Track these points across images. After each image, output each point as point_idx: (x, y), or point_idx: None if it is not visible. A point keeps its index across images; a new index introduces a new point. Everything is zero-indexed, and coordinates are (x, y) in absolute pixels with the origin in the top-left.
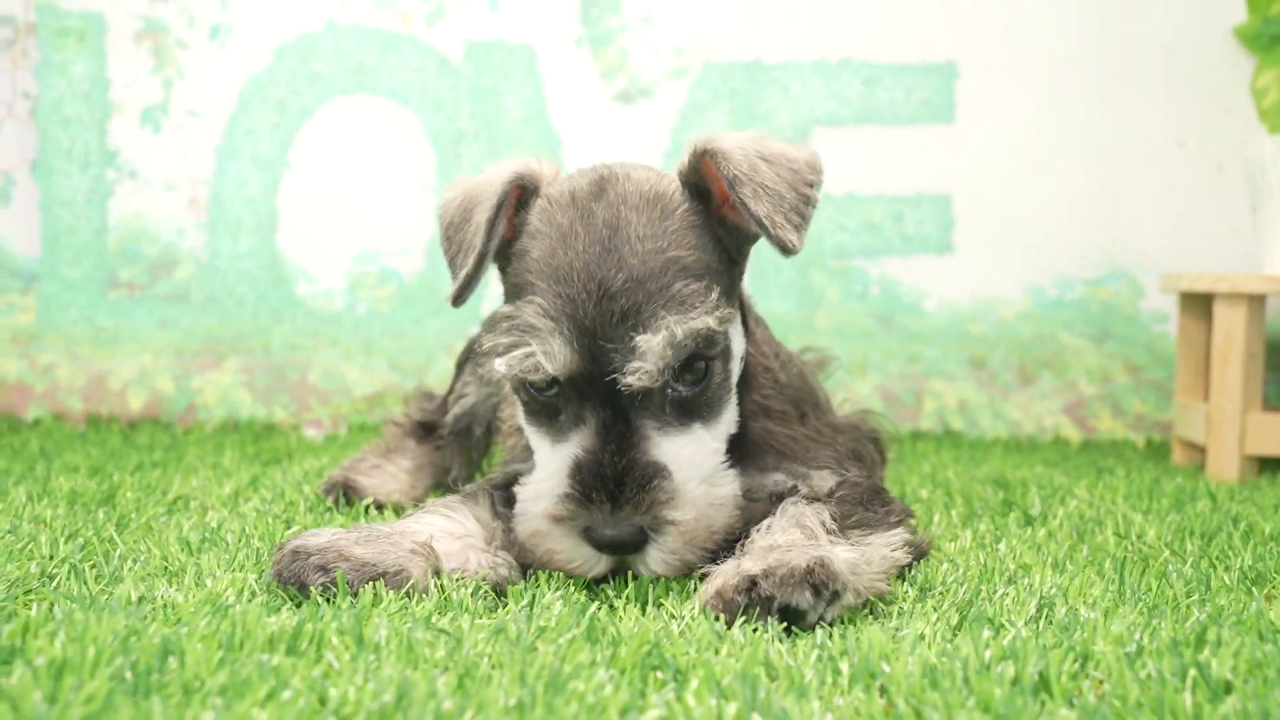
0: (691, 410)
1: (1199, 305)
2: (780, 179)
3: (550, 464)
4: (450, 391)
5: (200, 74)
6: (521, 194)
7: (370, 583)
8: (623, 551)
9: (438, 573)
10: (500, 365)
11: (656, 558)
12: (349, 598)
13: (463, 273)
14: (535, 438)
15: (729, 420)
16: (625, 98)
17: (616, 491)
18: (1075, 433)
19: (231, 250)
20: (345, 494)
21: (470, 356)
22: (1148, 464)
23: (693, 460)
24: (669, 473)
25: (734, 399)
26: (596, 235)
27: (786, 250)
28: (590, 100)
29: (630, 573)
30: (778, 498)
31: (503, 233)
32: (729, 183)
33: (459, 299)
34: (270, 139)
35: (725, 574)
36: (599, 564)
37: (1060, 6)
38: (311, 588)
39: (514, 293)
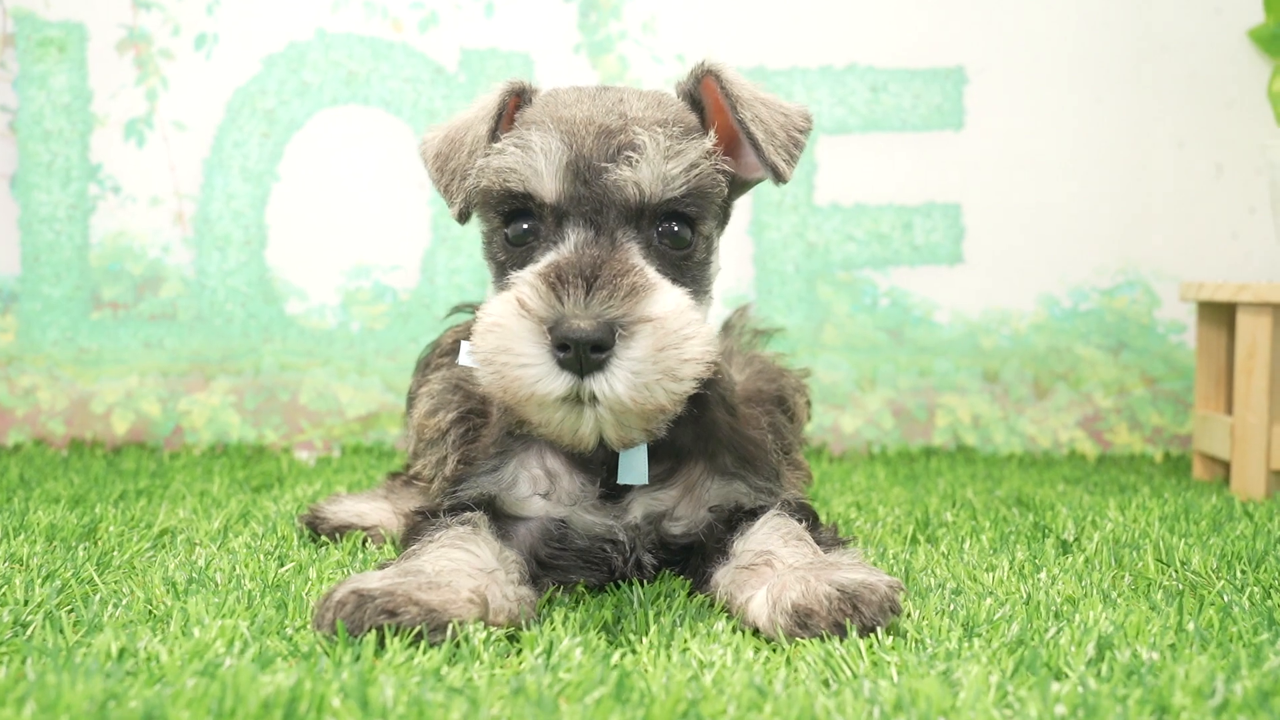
0: (674, 271)
1: (1219, 315)
2: (774, 119)
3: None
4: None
5: (186, 85)
6: (518, 102)
7: (433, 631)
8: (588, 359)
9: (480, 620)
10: (488, 172)
11: (624, 376)
12: (353, 647)
13: (465, 184)
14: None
15: (706, 310)
16: None
17: (592, 279)
18: (1091, 447)
19: (219, 267)
20: (313, 527)
21: (425, 367)
22: (1169, 480)
23: (673, 293)
24: (647, 271)
25: (709, 310)
26: (599, 102)
27: (779, 177)
28: None
29: (633, 591)
30: (747, 513)
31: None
32: (732, 104)
33: (466, 215)
34: (259, 151)
35: (787, 589)
36: (557, 380)
37: (1070, 9)
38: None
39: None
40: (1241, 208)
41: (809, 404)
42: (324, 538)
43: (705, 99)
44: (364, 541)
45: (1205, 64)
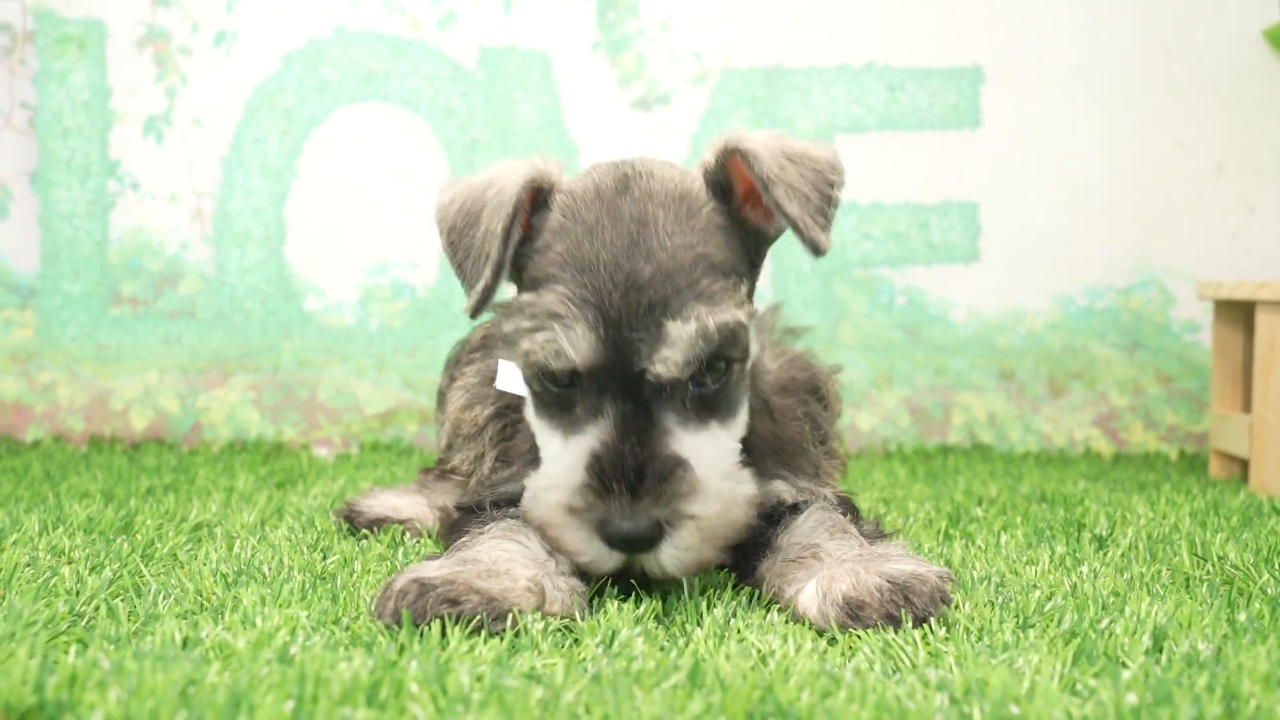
0: (710, 408)
1: (1235, 313)
2: (804, 179)
3: (564, 455)
4: (441, 424)
5: (205, 82)
6: (537, 195)
7: (494, 620)
8: (637, 548)
9: (537, 609)
10: (520, 350)
11: (670, 555)
12: (418, 637)
13: (480, 284)
14: (545, 432)
15: (743, 421)
16: (643, 105)
17: (636, 483)
18: (1106, 445)
19: (238, 264)
20: (349, 520)
21: (455, 363)
22: (1187, 478)
23: (713, 457)
24: (690, 466)
25: (747, 401)
26: (624, 229)
27: (818, 251)
28: (607, 107)
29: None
30: (789, 507)
31: (518, 237)
32: (763, 184)
33: (477, 311)
34: (278, 149)
35: (837, 581)
36: (609, 560)
37: (1087, 10)
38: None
39: (534, 285)
40: (1257, 210)
41: (839, 395)
42: (361, 531)
43: (731, 173)
44: (402, 534)
45: (1223, 65)
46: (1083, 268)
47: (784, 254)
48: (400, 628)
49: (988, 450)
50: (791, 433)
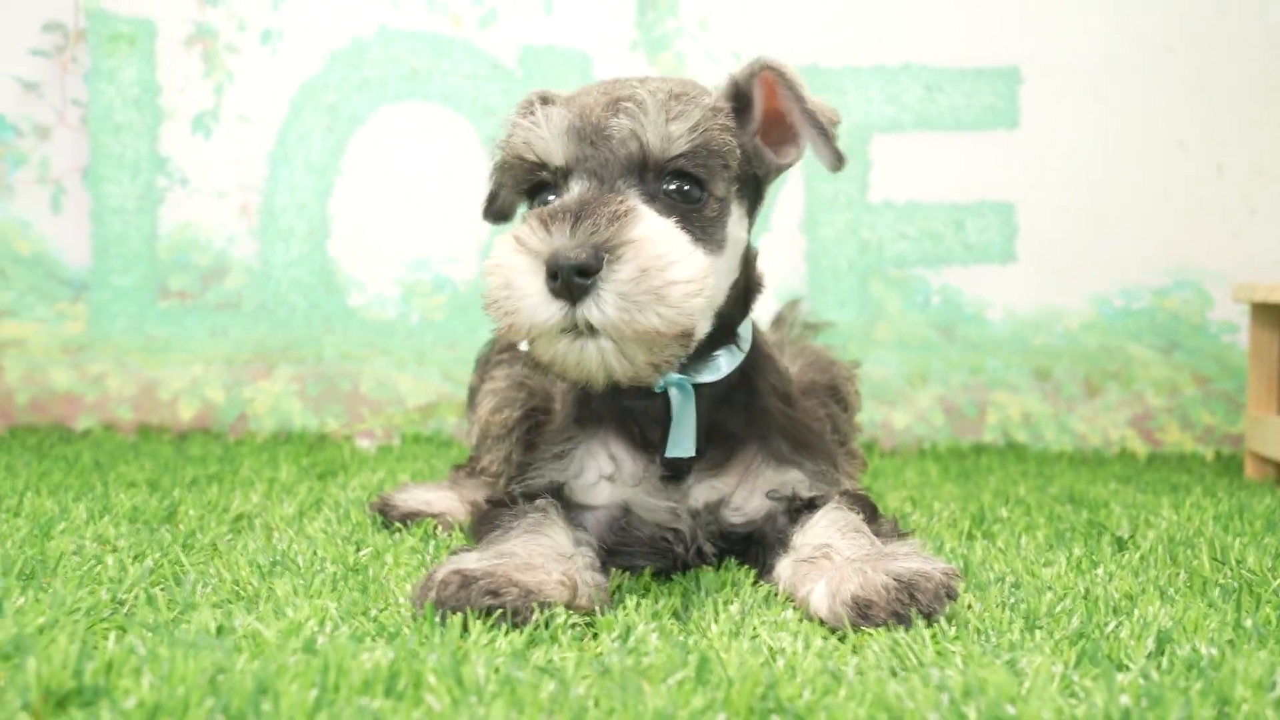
0: (681, 219)
1: (1272, 316)
2: (824, 114)
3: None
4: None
5: (252, 79)
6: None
7: (531, 611)
8: (577, 287)
9: (567, 603)
10: (502, 146)
11: (610, 297)
12: (440, 629)
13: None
14: None
15: (728, 263)
16: None
17: (579, 213)
18: (1142, 446)
19: (283, 258)
20: (383, 513)
21: (485, 364)
22: (1221, 479)
23: (668, 231)
24: (638, 210)
25: (726, 264)
26: (617, 81)
27: (840, 161)
28: None
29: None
30: (804, 503)
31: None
32: (798, 94)
33: (486, 212)
34: (322, 145)
35: (846, 581)
36: (551, 307)
37: (1127, 10)
38: (477, 611)
39: None
40: None
41: (859, 393)
42: (395, 524)
43: (756, 91)
44: (435, 529)
45: (1269, 64)
46: (1119, 269)
47: (820, 254)
48: (439, 617)
49: (1022, 450)
50: (811, 422)
